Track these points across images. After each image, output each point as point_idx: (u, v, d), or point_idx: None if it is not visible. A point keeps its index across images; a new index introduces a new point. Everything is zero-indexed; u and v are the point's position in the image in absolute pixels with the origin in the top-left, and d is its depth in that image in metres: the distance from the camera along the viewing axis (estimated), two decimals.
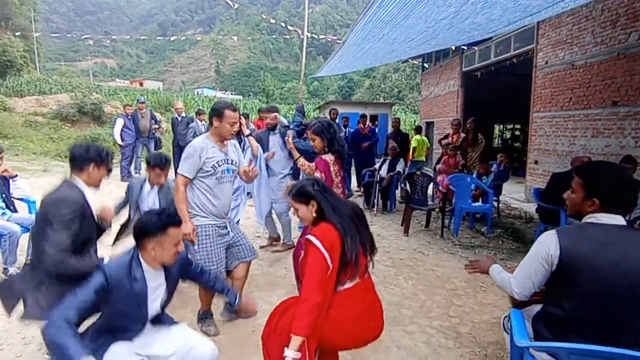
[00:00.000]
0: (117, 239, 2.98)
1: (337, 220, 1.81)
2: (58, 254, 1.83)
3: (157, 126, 8.60)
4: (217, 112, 2.52)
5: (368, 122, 7.80)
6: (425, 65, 15.69)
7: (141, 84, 46.72)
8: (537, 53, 8.00)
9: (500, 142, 19.34)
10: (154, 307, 1.78)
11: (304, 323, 1.58)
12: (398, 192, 6.99)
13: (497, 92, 13.16)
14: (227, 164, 2.59)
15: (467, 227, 5.62)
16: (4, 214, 3.44)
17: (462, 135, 6.86)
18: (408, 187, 5.47)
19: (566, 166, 6.58)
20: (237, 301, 2.13)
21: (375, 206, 6.35)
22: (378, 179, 6.35)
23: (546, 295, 1.69)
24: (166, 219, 1.71)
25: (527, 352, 1.70)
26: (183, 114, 8.13)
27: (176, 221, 1.74)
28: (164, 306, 1.86)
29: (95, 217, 2.14)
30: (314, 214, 1.87)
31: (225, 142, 2.64)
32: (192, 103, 22.50)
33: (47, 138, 13.30)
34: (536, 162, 8.04)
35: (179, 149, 8.28)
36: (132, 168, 8.56)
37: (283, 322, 1.77)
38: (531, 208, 6.60)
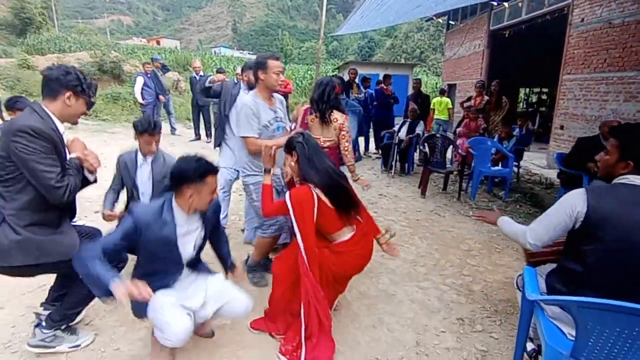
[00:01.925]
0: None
1: (315, 179, 2.01)
2: (60, 180, 1.63)
3: (161, 95, 8.27)
4: (260, 64, 2.47)
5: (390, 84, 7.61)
6: (451, 22, 14.93)
7: (158, 43, 46.22)
8: (573, 10, 7.50)
9: (525, 105, 18.63)
10: (187, 250, 1.84)
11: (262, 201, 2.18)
12: (416, 155, 6.94)
13: (525, 53, 12.50)
14: (277, 121, 2.59)
15: (484, 191, 5.59)
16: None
17: (486, 98, 6.66)
18: (427, 150, 5.42)
19: (593, 131, 6.36)
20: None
21: (393, 168, 6.35)
22: (397, 141, 6.30)
23: (565, 251, 1.72)
24: (205, 166, 1.72)
25: (537, 306, 1.77)
26: (201, 73, 8.09)
27: (215, 169, 1.75)
28: (198, 251, 1.93)
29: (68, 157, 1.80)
30: (293, 164, 2.07)
31: (273, 99, 2.60)
32: (210, 62, 22.26)
33: None
34: (562, 127, 7.78)
35: (197, 108, 8.34)
36: None
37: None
38: (552, 174, 6.49)
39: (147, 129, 2.44)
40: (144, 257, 1.81)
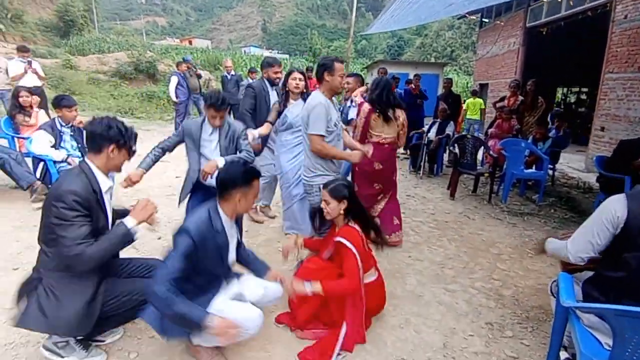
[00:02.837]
0: (182, 194, 2.82)
1: (361, 221, 2.19)
2: (74, 247, 1.61)
3: (198, 73, 8.67)
4: (327, 66, 2.56)
5: (419, 84, 7.50)
6: (485, 20, 14.50)
7: (190, 43, 47.49)
8: (616, 6, 7.12)
9: (562, 106, 17.86)
10: (231, 256, 1.92)
11: (334, 290, 2.06)
12: (446, 156, 6.82)
13: (564, 51, 11.96)
14: (339, 121, 2.72)
15: (516, 194, 5.42)
16: (81, 161, 3.83)
17: (520, 98, 6.44)
18: (457, 151, 5.32)
19: (637, 133, 6.03)
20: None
21: (422, 169, 6.26)
22: (426, 142, 6.21)
23: (604, 258, 1.66)
24: (252, 171, 1.82)
25: (572, 313, 1.72)
26: (232, 72, 8.27)
27: (259, 174, 1.86)
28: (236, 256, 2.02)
29: (109, 209, 1.86)
30: (342, 212, 2.16)
31: (333, 99, 2.74)
32: (240, 61, 22.68)
33: (108, 95, 14.16)
34: (602, 129, 7.41)
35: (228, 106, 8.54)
36: None
37: (323, 276, 2.11)
38: (591, 178, 6.20)
39: (214, 103, 2.51)
40: (193, 270, 1.76)
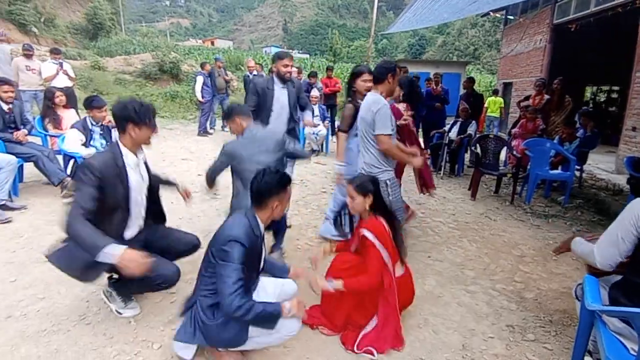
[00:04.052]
0: None
1: (387, 216, 2.19)
2: (70, 212, 1.80)
3: (227, 77, 8.91)
4: (393, 70, 2.67)
5: (441, 84, 7.38)
6: (510, 17, 14.16)
7: (212, 43, 48.32)
8: None
9: (591, 105, 17.23)
10: (262, 262, 2.01)
11: (354, 287, 2.05)
12: (467, 156, 6.70)
13: (593, 48, 11.53)
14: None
15: (541, 196, 5.28)
16: (114, 141, 3.97)
17: (546, 97, 6.26)
18: (479, 151, 5.22)
19: None
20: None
21: (443, 169, 6.18)
22: (447, 141, 6.13)
23: (631, 263, 1.61)
24: (286, 177, 1.89)
25: (598, 317, 1.67)
26: (255, 72, 8.37)
27: (290, 180, 1.94)
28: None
29: (134, 186, 2.07)
30: (367, 207, 2.17)
31: None
32: (261, 61, 22.90)
33: (133, 95, 14.57)
34: (634, 129, 7.11)
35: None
36: (207, 124, 9.12)
37: (351, 274, 2.14)
38: (621, 180, 5.98)
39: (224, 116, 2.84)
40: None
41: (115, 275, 2.26)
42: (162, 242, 2.29)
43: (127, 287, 2.21)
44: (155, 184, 2.34)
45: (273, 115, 3.39)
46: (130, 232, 2.17)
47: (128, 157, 2.03)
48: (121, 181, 1.99)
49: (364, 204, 2.16)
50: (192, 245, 2.37)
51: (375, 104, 2.62)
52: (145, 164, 2.23)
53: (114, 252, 1.74)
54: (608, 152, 8.81)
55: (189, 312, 1.86)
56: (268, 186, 1.83)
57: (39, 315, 2.24)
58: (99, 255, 1.73)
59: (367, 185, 2.17)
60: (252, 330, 1.77)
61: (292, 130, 3.55)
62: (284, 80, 3.37)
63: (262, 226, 1.90)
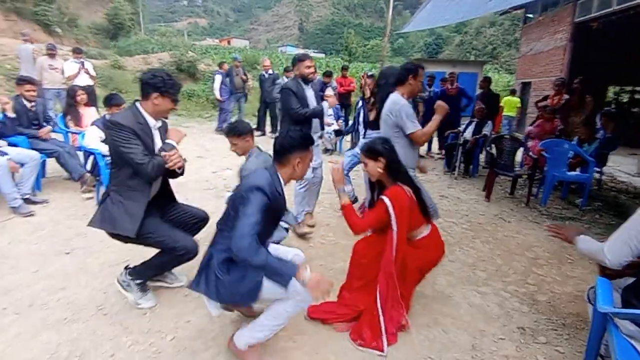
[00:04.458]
0: None
1: (403, 179, 2.16)
2: (141, 161, 1.98)
3: (245, 77, 8.99)
4: (413, 70, 2.75)
5: (456, 83, 7.30)
6: (529, 16, 13.88)
7: (229, 43, 48.78)
8: None
9: (613, 106, 16.73)
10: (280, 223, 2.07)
11: (347, 218, 2.11)
12: (482, 156, 6.61)
13: (616, 47, 11.20)
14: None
15: (558, 197, 5.18)
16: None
17: (565, 97, 6.12)
18: (494, 151, 5.15)
19: None
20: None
21: (457, 169, 6.12)
22: (462, 142, 6.07)
23: None
24: (308, 136, 1.95)
25: (610, 320, 1.65)
26: (270, 71, 8.43)
27: (313, 141, 1.99)
28: None
29: (157, 142, 2.19)
30: (380, 170, 2.13)
31: None
32: (277, 61, 23.03)
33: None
34: None
35: (264, 105, 8.71)
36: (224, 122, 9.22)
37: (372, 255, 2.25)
38: None
39: (224, 132, 2.79)
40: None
41: (131, 265, 2.36)
42: (175, 218, 2.42)
43: (149, 267, 2.30)
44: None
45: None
46: (153, 189, 2.24)
47: (148, 118, 2.12)
48: (147, 134, 2.11)
49: (376, 168, 2.14)
50: (202, 217, 2.49)
51: (395, 105, 2.71)
52: (160, 130, 2.26)
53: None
54: (631, 154, 8.58)
55: (205, 266, 1.87)
56: (292, 141, 1.87)
57: (59, 304, 2.33)
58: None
59: (376, 148, 2.14)
60: (265, 292, 1.75)
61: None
62: (307, 81, 3.39)
63: (283, 183, 1.90)
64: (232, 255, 1.70)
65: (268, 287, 1.74)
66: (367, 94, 4.05)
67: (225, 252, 1.79)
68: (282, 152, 1.87)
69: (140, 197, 2.13)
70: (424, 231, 2.26)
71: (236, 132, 2.72)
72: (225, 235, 1.82)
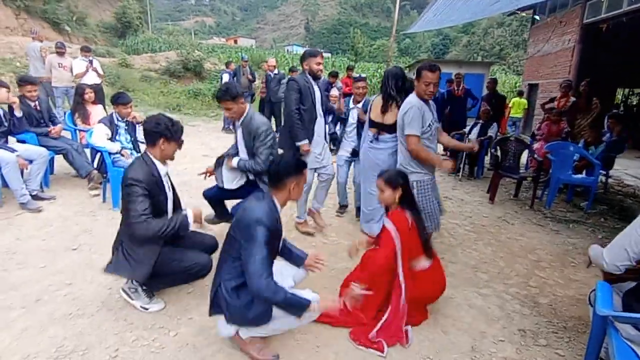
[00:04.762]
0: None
1: (415, 209, 2.28)
2: (137, 219, 2.05)
3: (252, 77, 9.04)
4: (417, 72, 2.76)
5: (463, 84, 7.26)
6: (537, 17, 13.77)
7: (235, 42, 48.98)
8: None
9: (622, 108, 16.56)
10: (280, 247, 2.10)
11: (370, 273, 2.18)
12: (488, 158, 6.59)
13: (625, 49, 11.07)
14: (435, 123, 2.85)
15: (563, 200, 5.15)
16: (132, 154, 4.13)
17: (572, 99, 6.08)
18: (498, 153, 5.14)
19: None
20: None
21: (461, 171, 6.11)
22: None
23: None
24: (302, 160, 2.02)
25: (610, 324, 1.65)
26: (275, 71, 8.47)
27: (306, 165, 2.03)
28: None
29: (169, 192, 2.32)
30: (397, 200, 2.23)
31: (430, 102, 2.85)
32: (283, 60, 23.08)
33: (158, 92, 14.95)
34: None
35: (270, 104, 8.74)
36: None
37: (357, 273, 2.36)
38: None
39: (216, 96, 2.84)
40: None
41: None
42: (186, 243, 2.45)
43: (160, 281, 2.35)
44: (175, 197, 2.50)
45: (317, 112, 3.37)
46: None
47: (159, 168, 2.24)
48: (160, 189, 2.23)
49: (394, 197, 2.23)
50: (211, 247, 2.51)
51: (406, 105, 2.78)
52: (168, 175, 2.39)
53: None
54: (638, 157, 8.49)
55: (214, 295, 1.93)
56: (287, 167, 1.91)
57: (66, 300, 2.38)
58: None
59: (397, 179, 2.24)
60: (276, 311, 1.82)
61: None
62: (316, 77, 3.34)
63: (279, 208, 1.95)
64: (251, 293, 1.79)
65: (279, 313, 1.83)
66: (358, 99, 3.98)
67: (234, 279, 1.87)
68: (277, 178, 1.91)
69: (151, 244, 2.19)
70: (424, 264, 2.28)
71: (231, 96, 2.73)
72: (229, 266, 1.89)
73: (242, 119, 2.88)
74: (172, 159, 2.30)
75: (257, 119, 2.87)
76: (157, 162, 2.23)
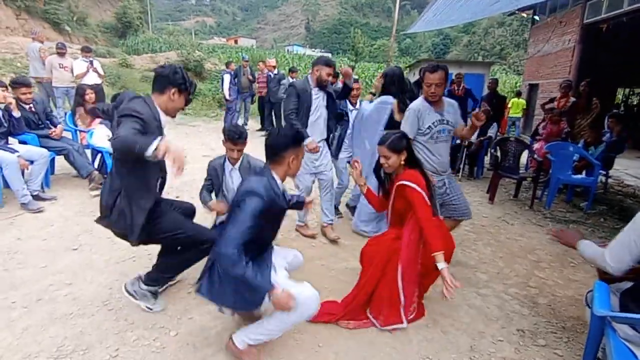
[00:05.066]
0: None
1: (420, 166, 2.31)
2: (124, 133, 1.72)
3: (252, 77, 9.06)
4: (422, 73, 2.80)
5: (463, 84, 7.26)
6: (536, 18, 13.78)
7: (236, 42, 48.99)
8: None
9: (622, 108, 16.55)
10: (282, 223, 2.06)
11: (434, 238, 2.08)
12: (487, 158, 6.60)
13: (625, 49, 11.07)
14: (443, 124, 2.81)
15: (562, 201, 5.16)
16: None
17: (572, 99, 6.09)
18: (498, 153, 5.15)
19: None
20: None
21: (461, 171, 6.12)
22: (466, 143, 6.06)
23: None
24: (301, 132, 2.00)
25: (608, 325, 1.66)
26: (275, 71, 8.48)
27: (304, 137, 2.02)
28: None
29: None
30: (402, 162, 2.25)
31: (441, 103, 2.82)
32: (283, 60, 23.09)
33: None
34: None
35: (269, 104, 8.76)
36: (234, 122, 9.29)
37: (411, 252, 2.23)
38: None
39: (231, 137, 2.55)
40: (252, 237, 1.76)
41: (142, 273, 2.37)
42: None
43: (166, 269, 2.29)
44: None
45: (311, 119, 3.28)
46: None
47: (161, 115, 2.04)
48: (158, 132, 1.98)
49: (399, 161, 2.24)
50: (191, 211, 2.45)
51: (409, 108, 2.84)
52: None
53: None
54: (638, 157, 8.49)
55: (208, 268, 1.87)
56: (285, 140, 1.88)
57: (66, 299, 2.39)
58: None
59: (400, 143, 2.23)
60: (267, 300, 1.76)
61: (325, 140, 3.51)
62: (321, 86, 3.26)
63: (280, 182, 1.91)
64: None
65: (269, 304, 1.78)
66: (353, 100, 4.04)
67: None
68: (276, 151, 1.88)
69: (147, 194, 2.05)
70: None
71: (244, 137, 2.62)
72: None
73: (237, 164, 2.71)
74: (173, 116, 2.11)
75: (253, 161, 2.75)
76: (159, 110, 2.01)
